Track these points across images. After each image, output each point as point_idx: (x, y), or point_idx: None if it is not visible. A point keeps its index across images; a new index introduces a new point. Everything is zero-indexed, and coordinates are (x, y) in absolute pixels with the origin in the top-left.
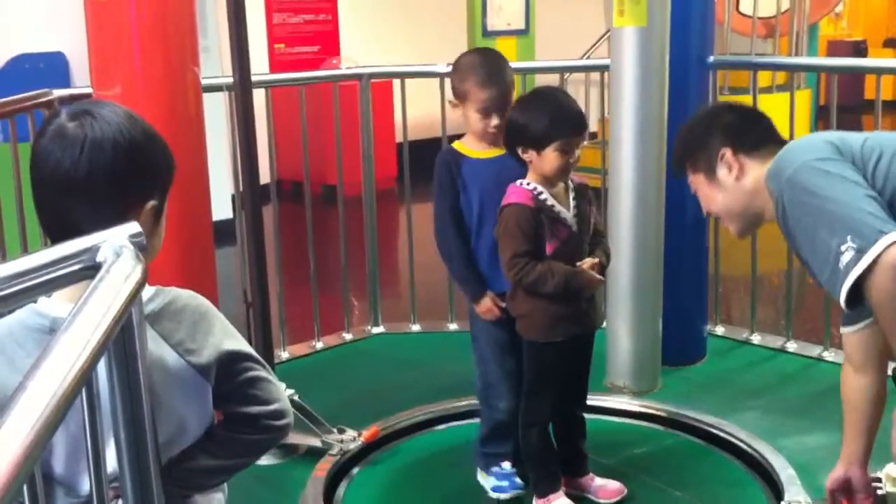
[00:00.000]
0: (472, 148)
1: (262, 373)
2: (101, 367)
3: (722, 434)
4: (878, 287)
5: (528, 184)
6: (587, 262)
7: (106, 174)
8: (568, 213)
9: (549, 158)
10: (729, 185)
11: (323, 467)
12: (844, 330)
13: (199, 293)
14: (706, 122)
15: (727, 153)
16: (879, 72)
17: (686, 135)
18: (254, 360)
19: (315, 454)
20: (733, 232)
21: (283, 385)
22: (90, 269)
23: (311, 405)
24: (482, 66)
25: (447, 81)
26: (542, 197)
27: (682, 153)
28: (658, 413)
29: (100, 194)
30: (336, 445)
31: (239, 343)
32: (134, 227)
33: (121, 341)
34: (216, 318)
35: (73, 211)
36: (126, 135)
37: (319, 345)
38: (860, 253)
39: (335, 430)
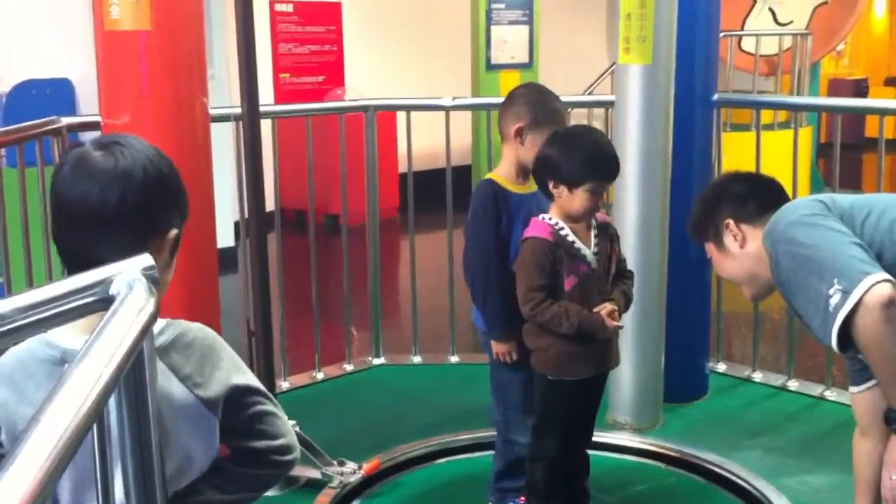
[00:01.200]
0: (511, 182)
1: (269, 407)
2: (112, 399)
3: (724, 473)
4: (863, 327)
5: (549, 218)
6: (606, 308)
7: (136, 202)
8: (588, 251)
9: (580, 198)
10: (735, 253)
11: (322, 500)
12: (852, 390)
13: (202, 321)
14: (715, 193)
15: (731, 223)
16: (883, 112)
17: (698, 205)
18: (262, 395)
19: (315, 486)
20: (746, 296)
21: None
22: (103, 302)
23: (312, 436)
24: (555, 97)
25: (453, 114)
26: (563, 232)
27: (695, 222)
28: (659, 450)
29: (128, 223)
30: (336, 478)
31: (247, 377)
32: (147, 259)
33: (132, 375)
34: (224, 351)
35: (99, 240)
36: (155, 163)
37: (320, 375)
38: (846, 294)
39: (335, 462)
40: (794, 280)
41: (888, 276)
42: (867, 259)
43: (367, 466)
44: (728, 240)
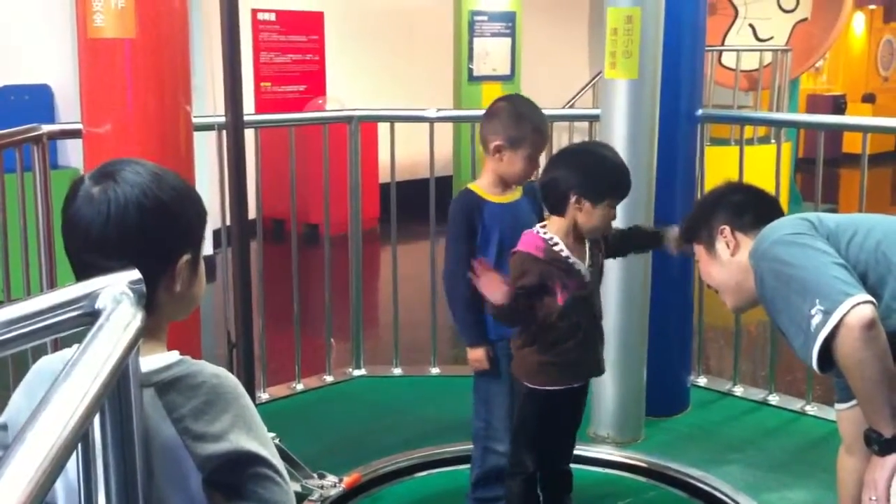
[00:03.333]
0: (490, 192)
1: (268, 472)
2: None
3: (705, 487)
4: (843, 347)
5: (544, 232)
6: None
7: (135, 236)
8: (583, 265)
9: (601, 213)
10: (725, 260)
11: None
12: (838, 407)
13: (181, 330)
14: (715, 199)
15: (726, 230)
16: (865, 129)
17: (696, 207)
18: (266, 465)
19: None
20: (728, 306)
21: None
22: (89, 316)
23: (291, 448)
24: (536, 112)
25: (437, 126)
26: (557, 248)
27: (689, 223)
28: (641, 465)
29: (133, 255)
30: (316, 491)
31: (253, 442)
32: (134, 273)
33: (117, 392)
34: (235, 405)
35: (109, 270)
36: (151, 195)
37: (300, 386)
38: (827, 315)
39: (316, 475)
40: (777, 298)
41: (870, 298)
42: (850, 280)
43: (348, 480)
44: (720, 245)
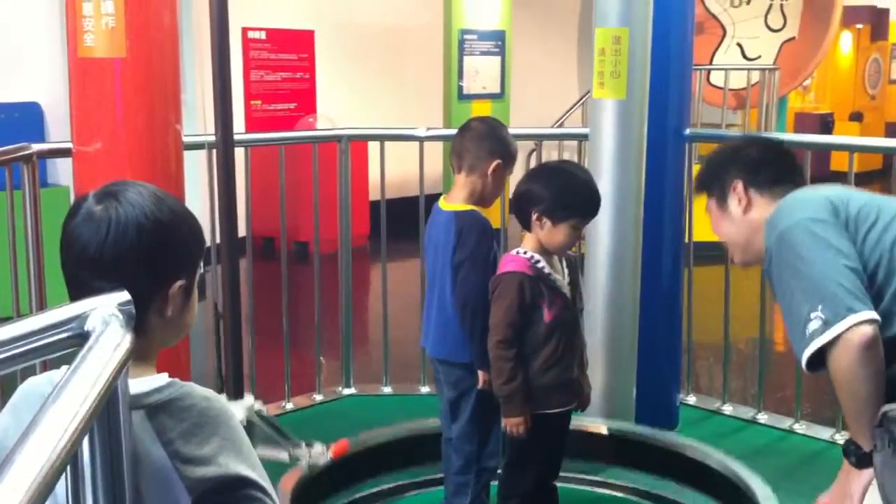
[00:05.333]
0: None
1: (258, 494)
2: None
3: None
4: (838, 363)
5: (524, 252)
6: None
7: (131, 257)
8: (563, 282)
9: (563, 233)
10: (736, 217)
11: (289, 481)
12: None
13: (172, 349)
14: (730, 153)
15: (738, 185)
16: (852, 149)
17: (710, 160)
18: (255, 487)
19: (283, 468)
20: (735, 260)
21: None
22: (78, 338)
23: (282, 470)
24: (503, 130)
25: (427, 144)
26: (540, 265)
27: (702, 176)
28: (630, 483)
29: (127, 276)
30: (304, 459)
31: (242, 465)
32: (123, 295)
33: (106, 414)
34: (225, 427)
35: (103, 291)
36: (150, 217)
37: (290, 406)
38: (826, 325)
39: (303, 444)
40: (783, 284)
41: (873, 316)
42: (857, 291)
43: (336, 448)
44: (732, 202)
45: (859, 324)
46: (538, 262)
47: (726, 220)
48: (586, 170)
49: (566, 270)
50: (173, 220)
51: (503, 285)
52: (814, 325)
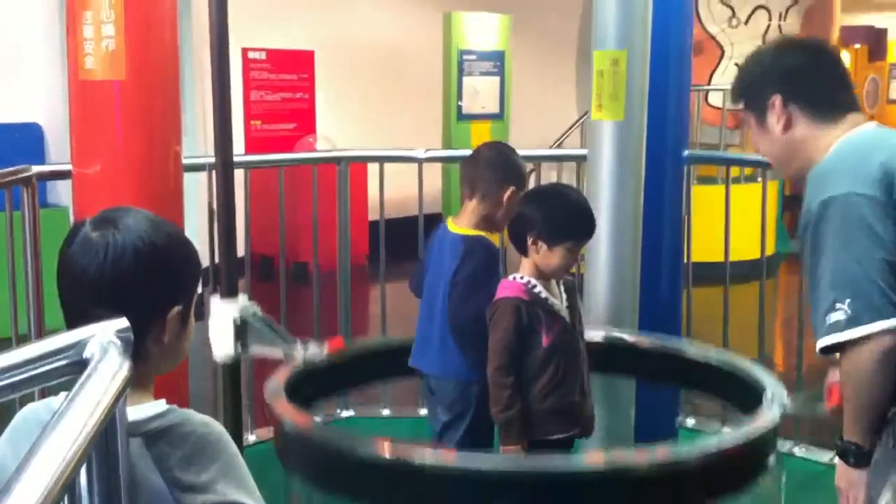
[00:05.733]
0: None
1: None
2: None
3: None
4: (854, 365)
5: (521, 277)
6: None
7: (129, 282)
8: (562, 307)
9: (558, 256)
10: (775, 135)
11: (282, 376)
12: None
13: (171, 376)
14: (769, 60)
15: (777, 101)
16: None
17: (746, 69)
18: None
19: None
20: (776, 176)
21: None
22: (77, 365)
23: (277, 492)
24: (514, 155)
25: (426, 166)
26: (537, 290)
27: (738, 87)
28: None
29: (125, 302)
30: (299, 355)
31: (235, 490)
32: (121, 322)
33: (104, 442)
34: (223, 454)
35: (100, 318)
36: (148, 242)
37: None
38: (850, 323)
39: (298, 342)
40: (816, 256)
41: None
42: (889, 292)
43: (332, 342)
44: (771, 119)
45: (883, 332)
46: (535, 286)
47: (765, 137)
48: (579, 192)
49: (564, 295)
50: (170, 246)
51: (500, 311)
52: (836, 316)
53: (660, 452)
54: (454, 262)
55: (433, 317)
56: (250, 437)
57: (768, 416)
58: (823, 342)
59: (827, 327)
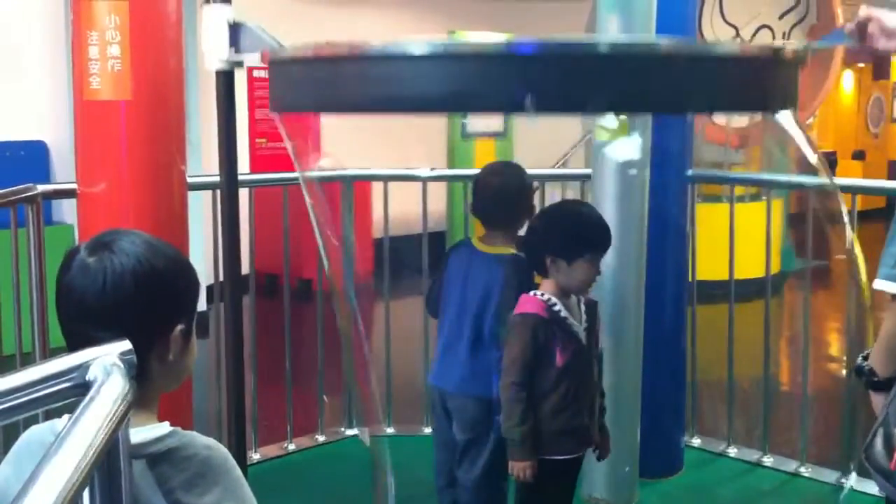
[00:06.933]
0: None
1: None
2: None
3: None
4: None
5: (542, 294)
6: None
7: (130, 305)
8: (580, 327)
9: (579, 270)
10: None
11: None
12: None
13: (174, 393)
14: None
15: None
16: (853, 191)
17: None
18: None
19: None
20: None
21: None
22: (80, 388)
23: None
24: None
25: (430, 185)
26: (556, 308)
27: None
28: None
29: (127, 325)
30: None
31: None
32: (124, 344)
33: (107, 465)
34: (227, 477)
35: (103, 341)
36: (146, 264)
37: (292, 446)
38: None
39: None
40: None
41: None
42: None
43: None
44: None
45: None
46: (555, 304)
47: None
48: (589, 204)
49: (584, 315)
50: (168, 266)
51: (518, 326)
52: None
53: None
54: (496, 279)
55: (461, 333)
56: (254, 456)
57: None
58: (885, 286)
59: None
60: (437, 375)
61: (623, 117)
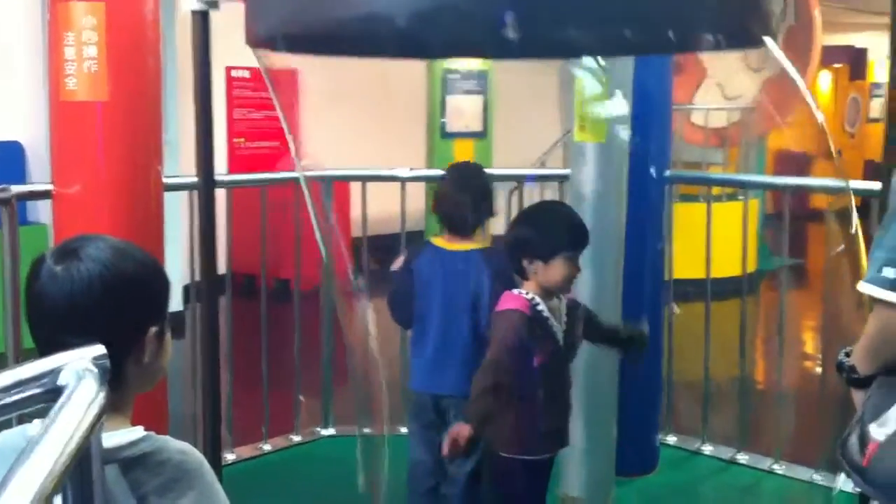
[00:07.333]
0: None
1: None
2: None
3: None
4: (885, 320)
5: (526, 293)
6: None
7: (102, 311)
8: (559, 329)
9: (557, 268)
10: None
11: None
12: None
13: (149, 392)
14: None
15: None
16: (828, 191)
17: None
18: None
19: None
20: None
21: None
22: (52, 393)
23: None
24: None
25: (409, 185)
26: (539, 308)
27: None
28: None
29: (101, 330)
30: None
31: None
32: (97, 349)
33: (79, 470)
34: (201, 482)
35: (76, 346)
36: (115, 270)
37: (267, 447)
38: (894, 286)
39: None
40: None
41: None
42: None
43: None
44: None
45: None
46: (538, 304)
47: None
48: (564, 203)
49: (565, 316)
50: (137, 270)
51: (505, 322)
52: (893, 273)
53: None
54: (475, 275)
55: (454, 335)
56: (229, 457)
57: None
58: (868, 289)
59: (879, 279)
60: (426, 381)
61: (604, 65)
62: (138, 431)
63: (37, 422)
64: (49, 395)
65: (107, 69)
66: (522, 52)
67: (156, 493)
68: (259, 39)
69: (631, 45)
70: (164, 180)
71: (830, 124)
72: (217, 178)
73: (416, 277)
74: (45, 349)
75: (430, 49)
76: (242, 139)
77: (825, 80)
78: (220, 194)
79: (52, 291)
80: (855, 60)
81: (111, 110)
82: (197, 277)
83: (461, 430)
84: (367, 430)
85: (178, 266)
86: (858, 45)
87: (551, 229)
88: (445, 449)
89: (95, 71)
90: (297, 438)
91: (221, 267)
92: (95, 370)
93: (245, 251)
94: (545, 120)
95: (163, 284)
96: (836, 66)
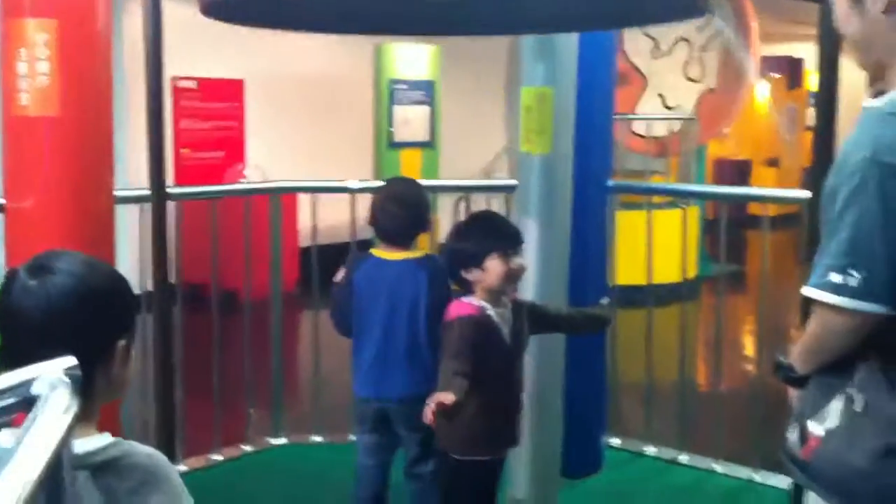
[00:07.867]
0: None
1: None
2: None
3: None
4: (832, 325)
5: (474, 300)
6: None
7: (76, 325)
8: (506, 331)
9: (493, 267)
10: (872, 15)
11: None
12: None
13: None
14: None
15: None
16: (765, 200)
17: None
18: None
19: None
20: (851, 58)
21: None
22: (24, 403)
23: None
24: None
25: (359, 197)
26: (489, 313)
27: None
28: None
29: (73, 342)
30: None
31: None
32: (69, 360)
33: (52, 480)
34: (168, 484)
35: (48, 358)
36: (87, 284)
37: (219, 457)
38: (851, 293)
39: None
40: (843, 213)
41: (883, 313)
42: (891, 282)
43: None
44: None
45: (874, 314)
46: (486, 309)
47: (855, 16)
48: (489, 210)
49: (511, 318)
50: (106, 284)
51: (463, 326)
52: (838, 278)
53: None
54: (417, 282)
55: (389, 343)
56: (181, 467)
57: None
58: (813, 293)
59: (823, 283)
60: (368, 388)
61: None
62: (106, 437)
63: (5, 431)
64: (22, 406)
65: (59, 85)
66: (466, 29)
67: (127, 496)
68: (210, 7)
69: (575, 20)
70: (116, 194)
71: (768, 133)
72: (169, 190)
73: (357, 287)
74: (17, 362)
75: (371, 23)
76: (188, 150)
77: (763, 90)
78: (169, 206)
79: (27, 305)
80: (792, 70)
81: (62, 125)
82: (148, 287)
83: (444, 396)
84: (317, 438)
85: (127, 275)
86: (795, 55)
87: (476, 233)
88: (430, 414)
89: (47, 86)
90: (248, 448)
91: (171, 277)
92: (68, 380)
93: (191, 261)
94: (491, 129)
95: (131, 297)
96: (774, 75)
